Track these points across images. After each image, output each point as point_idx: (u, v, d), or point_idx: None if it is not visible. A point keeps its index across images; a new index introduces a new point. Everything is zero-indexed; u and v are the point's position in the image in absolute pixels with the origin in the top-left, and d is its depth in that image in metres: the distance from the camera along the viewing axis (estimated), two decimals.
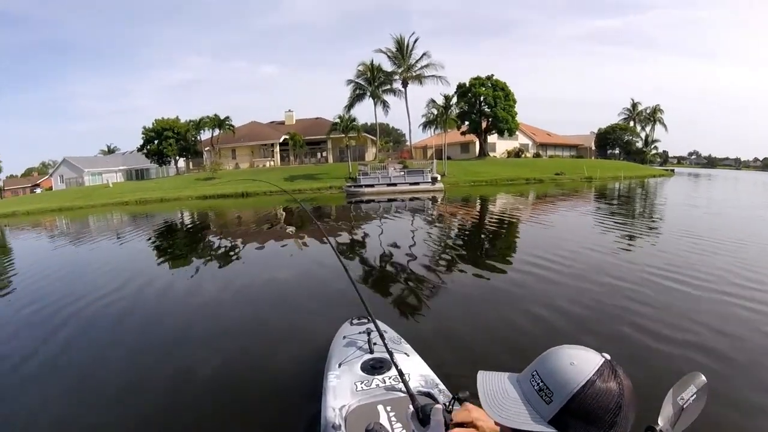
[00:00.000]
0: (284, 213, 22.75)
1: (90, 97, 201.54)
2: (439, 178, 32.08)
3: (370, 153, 52.08)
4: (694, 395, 1.23)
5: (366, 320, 3.77)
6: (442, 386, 2.74)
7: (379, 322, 3.45)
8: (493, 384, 1.06)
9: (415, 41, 43.65)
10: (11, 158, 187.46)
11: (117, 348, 5.62)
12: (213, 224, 20.82)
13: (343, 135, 39.71)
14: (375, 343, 3.18)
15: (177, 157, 54.19)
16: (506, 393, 1.02)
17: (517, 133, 51.60)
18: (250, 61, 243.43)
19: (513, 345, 4.94)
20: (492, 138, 52.01)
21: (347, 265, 3.13)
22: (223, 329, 5.99)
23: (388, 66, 44.22)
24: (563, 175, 37.96)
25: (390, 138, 71.47)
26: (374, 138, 49.90)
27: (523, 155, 55.51)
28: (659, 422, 1.16)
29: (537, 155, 58.31)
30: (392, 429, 2.34)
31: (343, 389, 2.76)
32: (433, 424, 1.31)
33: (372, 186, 31.02)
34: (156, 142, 51.34)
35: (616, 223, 14.04)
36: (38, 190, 62.73)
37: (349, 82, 43.81)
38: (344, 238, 13.54)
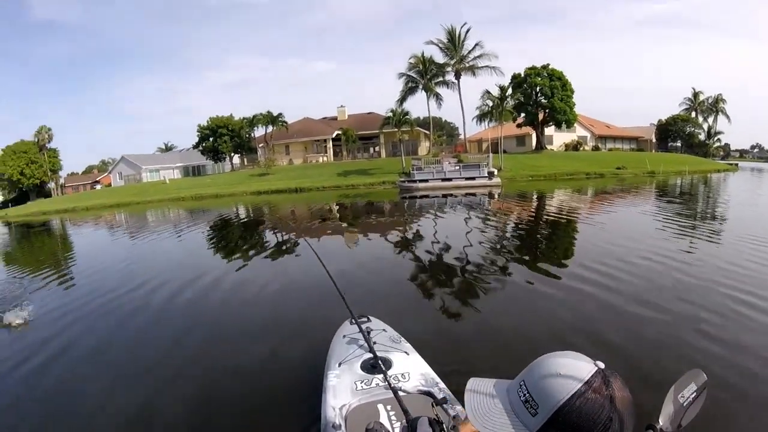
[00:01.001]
0: (329, 209, 22.29)
1: (147, 98, 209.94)
2: (495, 172, 30.80)
3: (423, 147, 51.17)
4: (695, 393, 1.24)
5: (366, 319, 3.72)
6: (442, 385, 2.74)
7: (378, 321, 3.72)
8: (482, 392, 1.01)
9: (467, 31, 42.45)
10: (73, 157, 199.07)
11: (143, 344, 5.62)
12: (264, 219, 20.89)
13: (396, 129, 39.01)
14: (375, 342, 3.12)
15: (232, 154, 55.17)
16: (493, 403, 0.97)
17: (574, 125, 49.35)
18: (302, 58, 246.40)
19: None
20: (549, 130, 49.78)
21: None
22: (230, 326, 6.11)
23: (440, 58, 43.20)
24: (625, 170, 35.64)
25: (443, 132, 70.29)
26: (427, 132, 48.95)
27: (581, 148, 52.92)
28: (660, 421, 1.17)
29: (596, 148, 55.28)
30: (392, 428, 2.32)
31: (343, 388, 2.76)
32: None
33: (426, 181, 30.04)
34: (211, 139, 52.43)
35: (680, 226, 12.11)
36: (98, 187, 65.27)
37: (401, 75, 43.00)
38: (394, 235, 13.09)
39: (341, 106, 58.49)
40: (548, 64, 44.44)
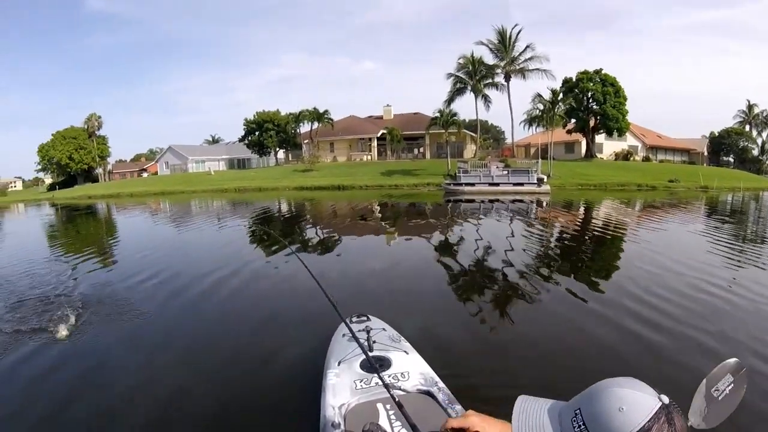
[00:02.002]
0: (369, 208, 21.73)
1: (196, 91, 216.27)
2: (545, 179, 29.65)
3: (469, 150, 50.14)
4: (732, 384, 1.13)
5: (365, 318, 3.73)
6: (441, 384, 2.71)
7: (378, 320, 3.71)
8: (532, 413, 0.96)
9: (518, 33, 41.26)
10: (122, 145, 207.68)
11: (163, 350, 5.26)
12: (300, 215, 20.60)
13: (443, 130, 38.20)
14: (374, 341, 3.11)
15: (277, 149, 55.57)
16: (542, 427, 0.92)
17: (625, 134, 47.28)
18: (350, 57, 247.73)
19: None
20: (599, 138, 47.88)
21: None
22: (229, 323, 6.05)
23: (489, 59, 42.25)
24: (677, 183, 33.75)
25: (489, 135, 69.02)
26: (473, 134, 47.92)
27: (631, 158, 50.59)
28: (689, 418, 1.09)
29: (646, 159, 52.52)
30: (392, 428, 2.30)
31: (342, 387, 2.73)
32: None
33: (472, 185, 29.16)
34: (257, 133, 52.94)
35: (736, 250, 10.35)
36: (144, 175, 66.97)
37: (450, 75, 42.26)
38: (436, 238, 12.56)
39: (387, 105, 58.00)
40: (601, 69, 42.75)
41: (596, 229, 14.28)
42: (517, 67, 41.48)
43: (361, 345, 2.74)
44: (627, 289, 6.95)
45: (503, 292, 7.26)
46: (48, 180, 67.74)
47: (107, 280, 8.50)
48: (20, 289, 7.78)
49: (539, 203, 23.59)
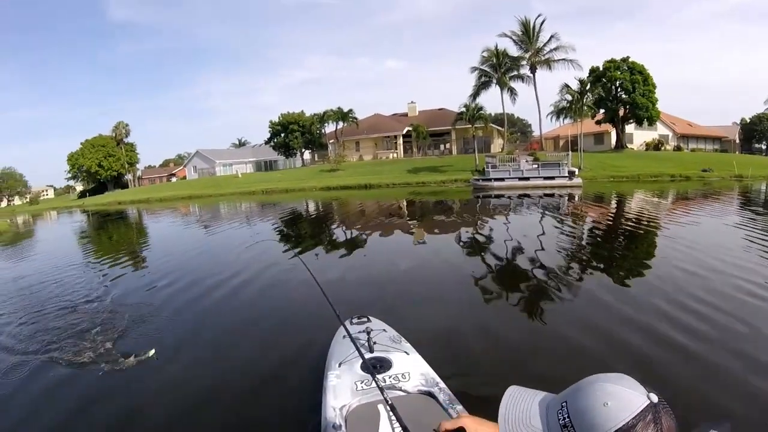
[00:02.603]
0: (398, 206, 21.31)
1: (223, 95, 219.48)
2: (576, 172, 28.75)
3: (496, 144, 49.34)
4: None
5: (366, 319, 3.71)
6: (442, 385, 2.68)
7: (379, 321, 3.69)
8: (520, 403, 0.96)
9: (542, 23, 40.21)
10: (150, 151, 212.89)
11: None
12: (330, 215, 20.35)
13: (469, 125, 37.53)
14: (375, 342, 3.09)
15: (302, 150, 55.69)
16: (529, 418, 0.92)
17: (656, 122, 45.75)
18: (373, 56, 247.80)
19: None
20: (629, 128, 46.46)
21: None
22: (230, 325, 6.09)
23: (514, 51, 41.33)
24: (711, 172, 32.21)
25: (515, 128, 67.91)
26: (500, 128, 47.08)
27: (662, 148, 48.83)
28: None
29: (678, 148, 50.48)
30: (393, 428, 2.24)
31: (343, 389, 2.71)
32: None
33: (502, 180, 28.46)
34: (282, 135, 53.15)
35: None
36: (173, 180, 67.95)
37: (474, 69, 41.47)
38: (461, 237, 12.26)
39: (412, 101, 57.59)
40: (628, 57, 41.47)
41: (633, 223, 13.44)
42: (543, 58, 40.44)
43: (360, 346, 2.70)
44: (660, 291, 6.39)
45: (532, 292, 6.99)
46: (79, 187, 69.49)
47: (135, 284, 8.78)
48: (53, 292, 8.42)
49: (571, 197, 22.77)
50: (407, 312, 5.85)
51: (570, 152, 33.22)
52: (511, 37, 40.96)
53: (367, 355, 2.98)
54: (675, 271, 7.43)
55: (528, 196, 23.67)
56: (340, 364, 3.01)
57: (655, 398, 0.82)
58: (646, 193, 23.50)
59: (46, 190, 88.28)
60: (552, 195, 23.84)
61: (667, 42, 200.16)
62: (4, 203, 76.13)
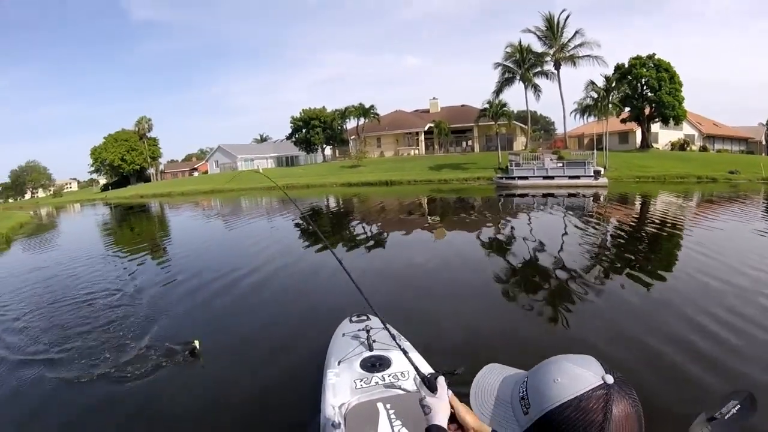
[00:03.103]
0: (419, 203, 21.10)
1: (245, 93, 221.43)
2: (602, 171, 28.19)
3: (519, 142, 48.67)
4: (735, 411, 1.12)
5: (365, 317, 3.72)
6: None
7: (378, 319, 3.56)
8: (492, 377, 1.02)
9: (567, 18, 39.56)
10: (173, 146, 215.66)
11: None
12: (349, 211, 20.35)
13: (492, 122, 37.09)
14: (375, 341, 3.09)
15: (324, 145, 55.71)
16: (496, 390, 0.99)
17: (682, 122, 44.58)
18: (395, 53, 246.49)
19: None
20: (654, 127, 45.35)
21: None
22: (229, 323, 6.10)
23: (537, 47, 40.78)
24: (738, 174, 31.12)
25: (539, 126, 67.05)
26: (523, 126, 46.47)
27: (688, 148, 47.55)
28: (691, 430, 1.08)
29: (703, 149, 48.81)
30: (392, 427, 2.26)
31: (342, 387, 2.71)
32: (440, 390, 1.37)
33: (526, 178, 28.03)
34: (304, 131, 53.22)
35: None
36: (195, 174, 68.58)
37: (497, 65, 41.09)
38: (482, 237, 12.23)
39: (433, 98, 56.97)
40: (654, 54, 40.46)
41: (660, 227, 13.00)
42: (567, 54, 39.85)
43: (360, 344, 2.78)
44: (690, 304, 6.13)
45: (552, 294, 7.01)
46: (102, 181, 70.65)
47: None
48: (88, 280, 9.32)
49: (597, 198, 22.29)
50: (422, 311, 5.87)
51: (595, 151, 32.61)
52: (535, 33, 40.52)
53: (367, 354, 3.05)
54: (705, 279, 7.27)
55: (552, 195, 23.29)
56: (339, 362, 3.03)
57: (610, 380, 0.82)
58: (672, 194, 22.84)
59: (70, 183, 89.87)
60: (577, 195, 23.42)
61: (690, 37, 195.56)
62: (28, 195, 77.92)
